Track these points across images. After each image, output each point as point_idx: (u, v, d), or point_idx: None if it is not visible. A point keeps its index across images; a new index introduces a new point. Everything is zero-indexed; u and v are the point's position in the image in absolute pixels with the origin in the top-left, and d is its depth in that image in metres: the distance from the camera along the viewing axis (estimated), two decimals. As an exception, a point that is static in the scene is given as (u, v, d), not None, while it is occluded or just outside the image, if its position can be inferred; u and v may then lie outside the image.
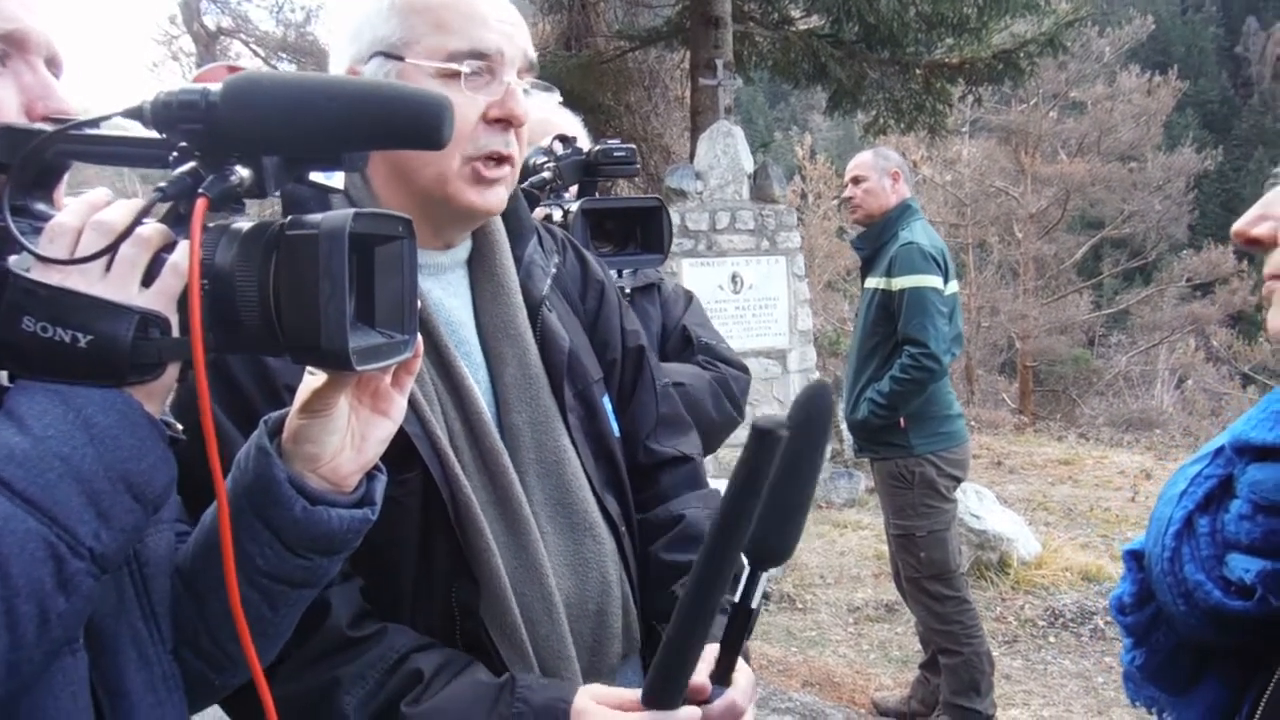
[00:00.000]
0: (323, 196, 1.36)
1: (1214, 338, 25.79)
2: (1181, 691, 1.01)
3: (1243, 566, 0.88)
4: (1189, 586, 0.92)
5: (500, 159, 1.53)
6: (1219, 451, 0.94)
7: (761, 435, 1.12)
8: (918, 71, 14.58)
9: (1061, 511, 9.98)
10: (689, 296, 2.78)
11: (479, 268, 1.67)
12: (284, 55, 19.17)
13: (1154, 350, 26.31)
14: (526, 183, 2.40)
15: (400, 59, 1.47)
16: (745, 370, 2.64)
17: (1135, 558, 1.02)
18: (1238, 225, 1.02)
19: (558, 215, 2.33)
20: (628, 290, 2.52)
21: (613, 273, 2.44)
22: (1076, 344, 27.43)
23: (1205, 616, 0.91)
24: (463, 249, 1.67)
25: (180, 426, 1.07)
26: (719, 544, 1.19)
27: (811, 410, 1.22)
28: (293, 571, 1.14)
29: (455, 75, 1.47)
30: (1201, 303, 27.29)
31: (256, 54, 19.26)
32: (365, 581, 1.45)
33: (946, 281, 4.84)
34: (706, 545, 1.19)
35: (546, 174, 2.38)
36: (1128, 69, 26.39)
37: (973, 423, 15.72)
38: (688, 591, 1.23)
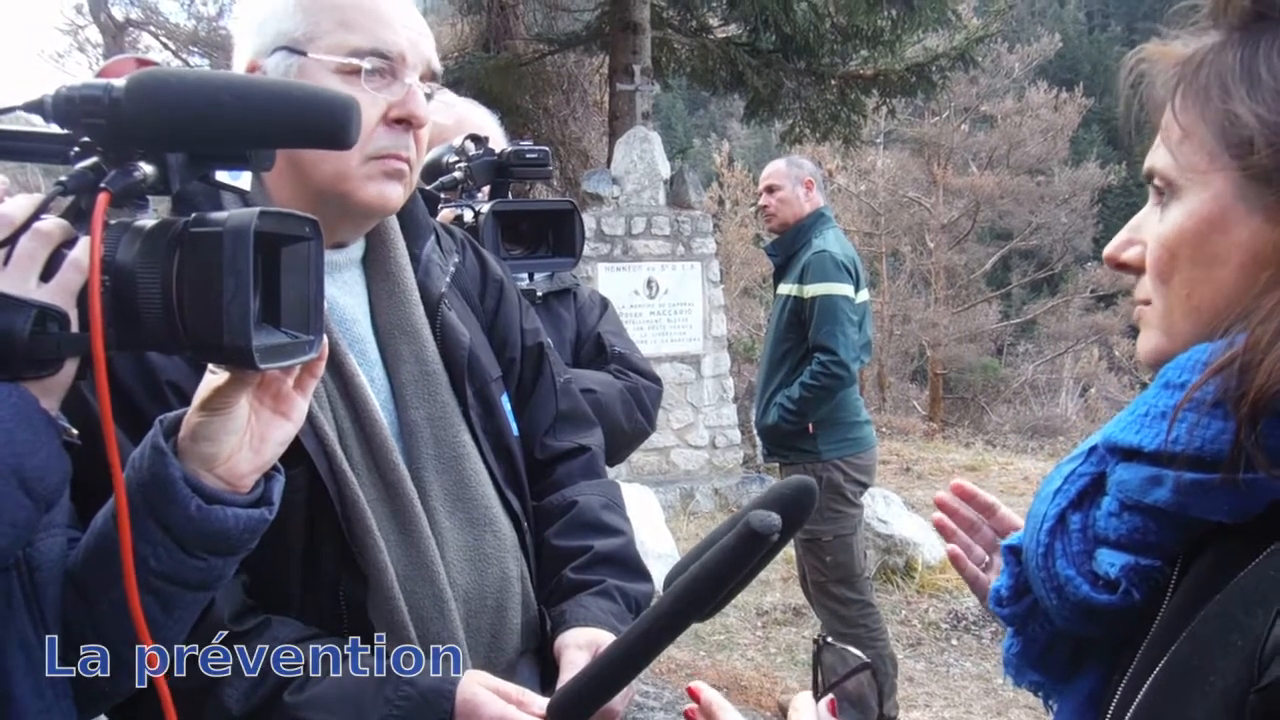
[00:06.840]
0: (213, 194, 1.35)
1: (1116, 348, 26.27)
2: (1063, 679, 1.05)
3: (1109, 561, 0.92)
4: (1060, 581, 0.96)
5: (399, 160, 1.53)
6: (1093, 450, 0.98)
7: (754, 537, 1.12)
8: (833, 82, 14.78)
9: (967, 516, 10.14)
10: (604, 304, 2.76)
11: (374, 266, 1.66)
12: (195, 49, 18.72)
13: (1059, 359, 26.76)
14: (437, 182, 2.37)
15: (303, 54, 1.47)
16: (658, 381, 2.64)
17: (1013, 552, 1.06)
18: (1108, 250, 1.06)
19: (469, 216, 2.31)
20: (541, 294, 2.50)
21: (525, 275, 2.44)
22: (985, 352, 27.85)
23: (1075, 609, 0.95)
24: (357, 248, 1.66)
25: (75, 431, 1.05)
26: (677, 611, 1.18)
27: (799, 515, 1.23)
28: (188, 573, 1.13)
29: (356, 72, 1.47)
30: (1105, 314, 27.82)
31: (166, 47, 18.74)
32: (251, 579, 1.43)
33: (857, 290, 4.91)
34: (664, 606, 1.18)
35: (457, 174, 2.36)
36: (1036, 85, 26.90)
37: (884, 429, 15.94)
38: (629, 635, 1.23)
